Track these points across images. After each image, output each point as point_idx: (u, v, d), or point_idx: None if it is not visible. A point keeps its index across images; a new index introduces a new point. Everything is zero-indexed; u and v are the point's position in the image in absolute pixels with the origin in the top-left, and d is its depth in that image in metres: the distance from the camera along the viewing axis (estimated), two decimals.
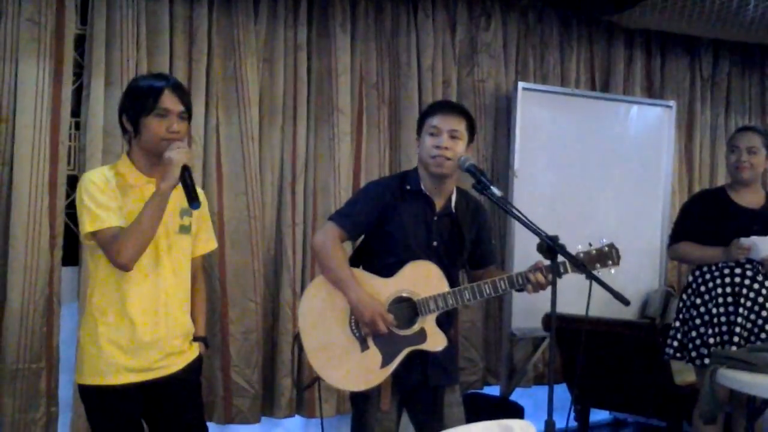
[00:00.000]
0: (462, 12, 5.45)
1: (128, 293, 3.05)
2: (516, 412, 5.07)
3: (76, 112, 4.35)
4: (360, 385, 3.44)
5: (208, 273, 4.52)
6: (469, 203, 3.61)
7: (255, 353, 4.74)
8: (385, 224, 3.48)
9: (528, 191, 5.37)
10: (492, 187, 3.26)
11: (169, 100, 3.04)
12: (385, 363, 3.38)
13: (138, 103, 3.04)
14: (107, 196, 3.01)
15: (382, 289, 3.42)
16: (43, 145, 4.16)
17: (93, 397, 3.11)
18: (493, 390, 5.60)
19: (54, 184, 4.21)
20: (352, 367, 3.41)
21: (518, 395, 5.48)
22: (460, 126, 3.43)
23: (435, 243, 3.48)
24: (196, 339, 3.32)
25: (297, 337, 3.51)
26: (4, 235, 4.11)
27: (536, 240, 3.17)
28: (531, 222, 3.15)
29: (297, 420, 5.00)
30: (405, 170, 3.77)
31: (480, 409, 5.22)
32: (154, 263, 3.09)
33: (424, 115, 3.55)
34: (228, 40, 4.67)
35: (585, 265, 3.23)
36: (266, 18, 4.78)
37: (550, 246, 3.10)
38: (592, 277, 3.05)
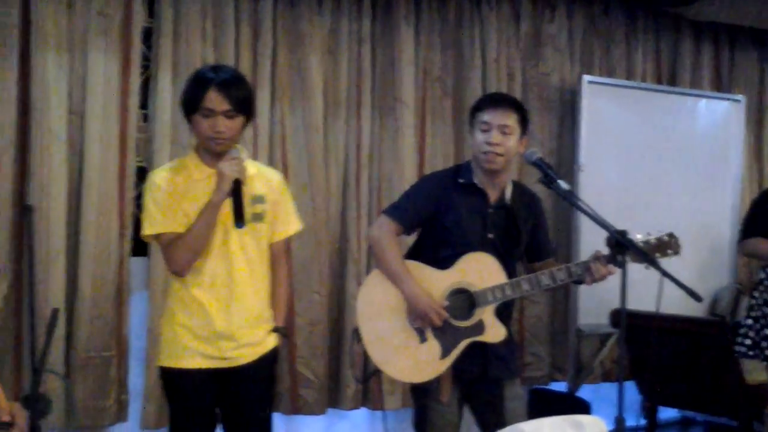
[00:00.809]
0: (527, 4, 5.42)
1: (202, 284, 3.10)
2: (583, 408, 5.00)
3: (144, 104, 4.42)
4: (419, 377, 3.44)
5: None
6: (524, 195, 3.59)
7: (320, 345, 4.76)
8: (440, 217, 3.48)
9: (593, 185, 5.31)
10: (559, 181, 3.24)
11: (214, 100, 3.00)
12: (444, 355, 3.37)
13: (186, 100, 3.07)
14: (167, 199, 3.08)
15: (438, 281, 3.41)
16: (112, 137, 4.23)
17: (169, 379, 3.20)
18: (560, 386, 5.53)
19: (123, 176, 4.28)
20: (411, 360, 3.41)
21: (585, 392, 5.41)
22: (510, 120, 3.40)
23: (491, 235, 3.45)
24: (274, 330, 3.33)
25: (356, 330, 3.52)
26: (75, 225, 4.18)
27: (602, 234, 3.15)
28: (599, 216, 3.13)
29: (363, 412, 5.00)
30: (459, 163, 3.76)
31: (546, 405, 5.17)
32: (225, 253, 3.12)
33: (475, 110, 3.53)
34: (293, 33, 4.71)
35: (647, 253, 3.18)
36: (330, 10, 4.81)
37: (619, 240, 3.07)
38: (655, 266, 3.03)
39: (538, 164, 3.32)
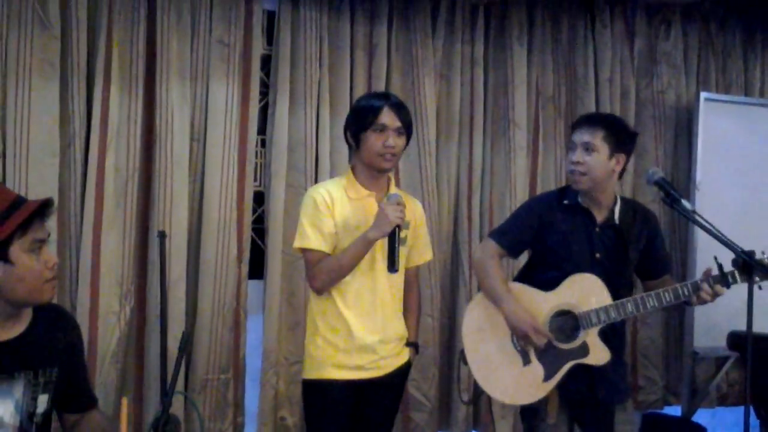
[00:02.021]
0: (641, 22, 5.32)
1: (346, 300, 3.29)
2: None
3: (261, 130, 4.49)
4: (522, 399, 3.46)
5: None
6: (636, 213, 3.55)
7: (432, 368, 4.76)
8: (546, 239, 3.49)
9: (711, 204, 5.16)
10: (682, 201, 3.19)
11: (387, 117, 3.27)
12: (548, 377, 3.39)
13: (359, 119, 3.30)
14: (322, 217, 3.28)
15: (542, 303, 3.41)
16: (231, 162, 4.31)
17: (311, 391, 3.38)
18: (674, 410, 5.42)
19: (241, 200, 4.35)
20: (515, 381, 3.43)
21: (700, 416, 5.29)
22: (593, 138, 3.37)
23: (598, 255, 3.44)
24: (408, 344, 3.51)
25: (462, 352, 3.55)
26: (196, 249, 4.27)
27: (719, 254, 3.10)
28: (724, 236, 3.07)
29: None
30: (564, 186, 3.74)
31: (660, 429, 5.08)
32: (370, 272, 3.31)
33: (571, 131, 3.55)
34: (406, 57, 4.72)
35: None
36: (444, 34, 4.80)
37: (747, 261, 3.01)
38: None
39: (661, 184, 3.29)
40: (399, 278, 3.43)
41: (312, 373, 3.37)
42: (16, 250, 2.33)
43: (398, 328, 3.44)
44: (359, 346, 3.30)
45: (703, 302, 3.28)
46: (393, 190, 3.43)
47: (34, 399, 2.49)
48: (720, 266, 3.19)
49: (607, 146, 3.37)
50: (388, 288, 3.37)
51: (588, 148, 3.37)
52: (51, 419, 2.61)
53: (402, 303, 3.49)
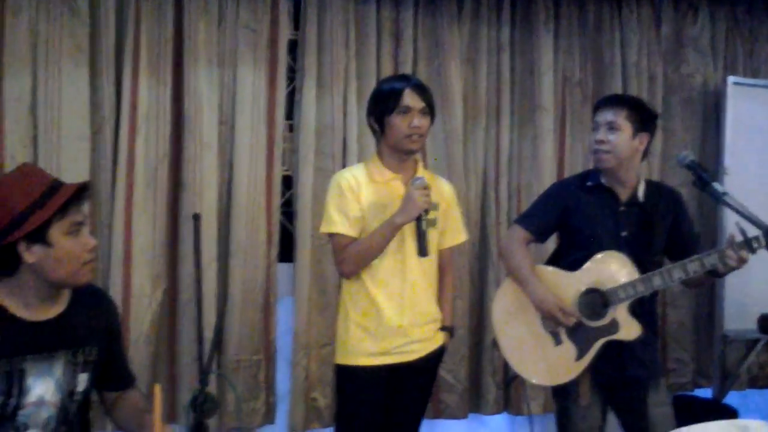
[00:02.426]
0: (667, 6, 5.30)
1: (376, 282, 3.29)
2: (730, 415, 4.87)
3: (289, 115, 4.53)
4: (556, 380, 3.46)
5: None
6: (662, 193, 3.55)
7: (462, 350, 4.77)
8: (570, 220, 3.51)
9: (739, 188, 5.09)
10: (713, 184, 3.20)
11: (410, 98, 3.26)
12: (580, 356, 3.39)
13: (382, 103, 3.30)
14: (348, 202, 3.29)
15: (570, 283, 3.43)
16: (260, 147, 4.36)
17: (343, 376, 3.39)
18: (705, 392, 5.40)
19: (270, 184, 4.39)
20: (548, 362, 3.45)
21: (731, 398, 5.26)
22: (616, 117, 3.39)
23: (624, 233, 3.44)
24: (442, 328, 3.50)
25: (494, 339, 3.57)
26: (226, 232, 4.32)
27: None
28: (755, 216, 3.08)
29: (504, 417, 4.99)
30: (587, 169, 3.76)
31: (691, 411, 5.05)
32: (400, 255, 3.30)
33: (593, 114, 3.57)
34: (432, 42, 4.74)
35: None
36: (469, 19, 4.82)
37: None
38: None
39: (691, 167, 3.29)
40: (431, 260, 3.41)
41: (343, 359, 3.38)
42: (56, 233, 2.37)
43: (431, 311, 3.44)
44: (389, 329, 3.30)
45: (731, 270, 3.27)
46: (420, 172, 3.42)
47: (74, 378, 2.54)
48: (743, 231, 3.19)
49: (631, 125, 3.39)
50: (420, 270, 3.36)
51: (612, 127, 3.39)
52: (90, 398, 2.66)
53: (435, 286, 3.48)
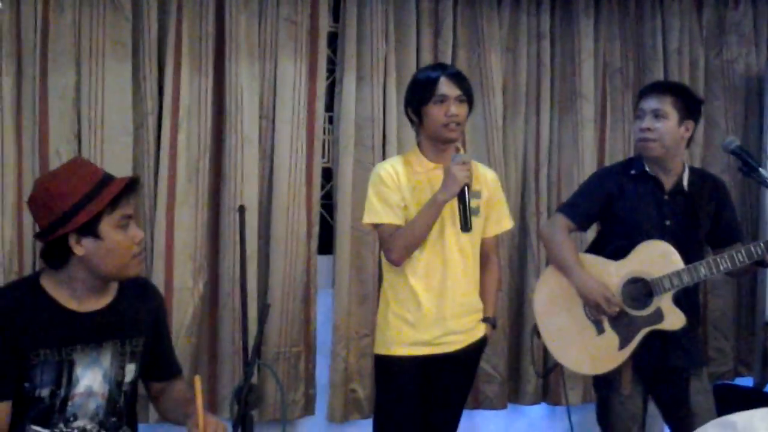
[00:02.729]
0: None
1: (416, 272, 3.29)
2: None
3: (329, 107, 4.52)
4: (598, 369, 3.47)
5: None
6: (705, 180, 3.55)
7: (501, 340, 4.77)
8: (614, 210, 3.50)
9: None
10: (760, 170, 3.17)
11: (446, 87, 3.25)
12: (623, 345, 3.39)
13: (418, 93, 3.29)
14: (389, 191, 3.28)
15: (614, 272, 3.42)
16: (300, 139, 4.35)
17: (382, 366, 3.42)
18: (745, 381, 5.37)
19: (310, 176, 4.39)
20: (590, 351, 3.45)
21: None
22: (662, 104, 3.38)
23: (668, 222, 3.44)
24: (484, 320, 3.49)
25: (535, 326, 3.57)
26: (266, 225, 4.33)
27: None
28: None
29: (543, 407, 5.00)
30: (630, 157, 3.74)
31: (732, 400, 5.03)
32: (440, 244, 3.29)
33: (637, 101, 3.55)
34: (472, 31, 4.71)
35: None
36: (509, 7, 4.77)
37: None
38: None
39: (737, 153, 3.28)
40: (473, 249, 3.40)
41: (382, 349, 3.40)
42: (106, 226, 2.42)
43: (472, 301, 3.43)
44: (429, 319, 3.31)
45: None
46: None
47: (122, 368, 2.59)
48: None
49: (677, 113, 3.38)
50: (461, 260, 3.35)
51: (658, 115, 3.37)
52: (137, 388, 2.70)
53: (477, 276, 3.47)
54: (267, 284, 4.32)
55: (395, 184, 3.29)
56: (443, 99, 3.24)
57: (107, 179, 2.46)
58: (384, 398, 3.44)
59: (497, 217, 3.53)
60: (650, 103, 3.40)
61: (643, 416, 3.54)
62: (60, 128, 3.91)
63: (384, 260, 3.40)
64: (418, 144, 3.42)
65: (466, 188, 3.16)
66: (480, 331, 3.48)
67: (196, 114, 4.16)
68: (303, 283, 4.39)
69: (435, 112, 3.25)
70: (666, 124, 3.36)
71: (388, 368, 3.39)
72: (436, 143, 3.34)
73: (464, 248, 3.35)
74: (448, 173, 3.16)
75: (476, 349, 3.49)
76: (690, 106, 3.43)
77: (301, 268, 4.37)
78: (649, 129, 3.37)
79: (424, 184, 3.31)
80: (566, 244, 3.51)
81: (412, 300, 3.31)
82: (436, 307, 3.31)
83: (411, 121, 3.42)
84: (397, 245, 3.25)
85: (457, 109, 3.26)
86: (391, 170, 3.33)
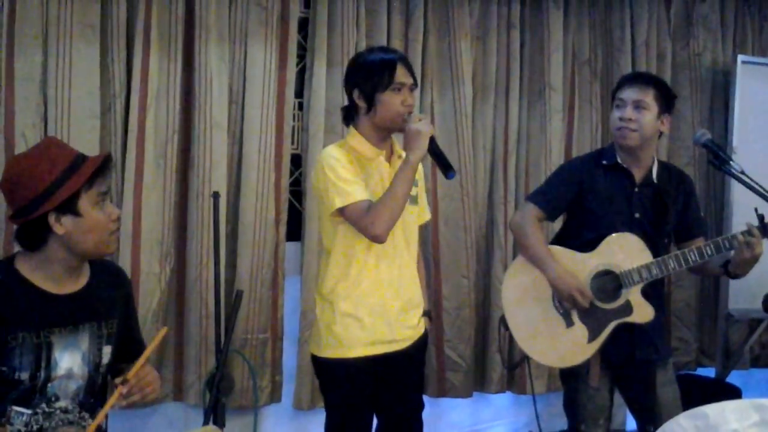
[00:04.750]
0: None
1: (366, 267, 3.13)
2: (734, 394, 4.92)
3: (299, 93, 4.50)
4: (567, 362, 3.48)
5: (422, 248, 4.64)
6: (672, 174, 3.56)
7: (467, 329, 4.80)
8: (584, 200, 3.49)
9: (747, 168, 5.14)
10: (731, 162, 3.21)
11: (402, 74, 3.10)
12: (592, 338, 3.40)
13: (373, 78, 3.09)
14: (351, 171, 3.06)
15: (583, 264, 3.42)
16: (269, 125, 4.32)
17: (327, 369, 3.23)
18: (707, 372, 5.45)
19: (279, 162, 4.36)
20: (559, 344, 3.45)
21: (734, 377, 5.30)
22: (645, 96, 3.39)
23: (637, 215, 3.45)
24: (425, 313, 3.37)
25: (503, 318, 3.56)
26: (235, 211, 4.31)
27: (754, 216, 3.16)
28: None
29: (508, 396, 5.04)
30: (602, 147, 3.74)
31: (694, 390, 5.09)
32: (390, 236, 3.07)
33: (615, 89, 3.54)
34: (443, 20, 4.71)
35: None
36: None
37: None
38: None
39: (709, 146, 3.31)
40: (415, 242, 3.31)
41: (327, 352, 3.21)
42: (84, 203, 2.43)
43: (416, 295, 3.31)
44: (380, 316, 3.16)
45: (746, 261, 3.28)
46: (397, 148, 3.26)
47: (99, 350, 2.59)
48: (761, 216, 3.21)
49: (657, 106, 3.40)
50: (407, 253, 3.23)
51: (639, 106, 3.38)
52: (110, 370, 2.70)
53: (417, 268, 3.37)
54: (235, 270, 4.30)
55: (350, 163, 3.09)
56: (400, 87, 3.08)
57: (81, 158, 2.47)
58: (336, 403, 3.27)
59: (424, 207, 3.45)
60: (632, 94, 3.41)
61: (609, 407, 3.57)
62: (26, 111, 3.84)
63: (329, 256, 3.20)
64: (358, 129, 3.20)
65: (434, 140, 3.05)
66: (423, 326, 3.35)
67: (165, 98, 4.11)
68: (271, 269, 4.37)
69: (392, 101, 3.08)
70: (647, 116, 3.38)
71: (336, 372, 3.21)
72: (381, 132, 3.17)
73: (409, 240, 3.23)
74: (411, 132, 3.00)
75: (422, 345, 3.36)
76: (668, 100, 3.46)
77: (269, 255, 4.35)
78: (630, 119, 3.37)
79: (368, 171, 3.14)
80: (536, 234, 3.49)
81: (362, 298, 3.13)
82: (389, 303, 3.16)
83: (351, 105, 3.20)
84: (380, 218, 2.96)
85: (412, 99, 3.13)
86: (344, 153, 3.12)
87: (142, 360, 2.47)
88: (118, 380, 2.46)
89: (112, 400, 2.42)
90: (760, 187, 3.17)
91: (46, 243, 2.45)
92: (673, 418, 2.00)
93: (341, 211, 3.05)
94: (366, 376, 3.18)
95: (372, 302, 3.14)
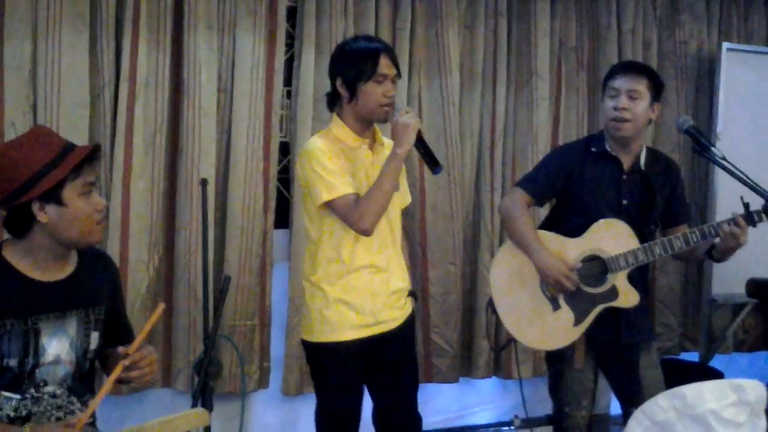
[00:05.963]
0: None
1: (354, 253, 3.16)
2: (716, 378, 4.95)
3: (287, 82, 4.51)
4: (553, 345, 3.53)
5: (410, 234, 4.71)
6: (659, 161, 3.60)
7: (454, 315, 4.84)
8: (572, 187, 3.53)
9: (732, 155, 5.15)
10: (713, 149, 3.24)
11: (386, 65, 3.11)
12: (578, 321, 3.45)
13: (356, 68, 3.10)
14: (336, 163, 3.09)
15: (570, 250, 3.47)
16: (258, 113, 4.34)
17: (318, 353, 3.28)
18: (691, 356, 5.50)
19: (268, 151, 4.39)
20: (546, 327, 3.50)
21: (717, 362, 5.35)
22: (638, 86, 3.42)
23: (625, 201, 3.49)
24: (410, 294, 3.41)
25: (490, 302, 3.60)
26: (223, 199, 4.33)
27: (737, 204, 3.23)
28: (754, 182, 3.14)
29: (494, 381, 5.08)
30: (591, 134, 3.77)
31: (678, 375, 5.14)
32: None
33: (606, 78, 3.56)
34: (430, 8, 4.72)
35: None
36: None
37: None
38: None
39: (691, 132, 3.35)
40: (399, 227, 3.35)
41: (318, 336, 3.26)
42: (69, 193, 2.45)
43: (403, 278, 3.35)
44: (368, 299, 3.20)
45: (730, 248, 3.33)
46: (379, 136, 3.32)
47: (87, 336, 2.62)
48: (746, 205, 3.25)
49: (649, 95, 3.44)
50: (391, 238, 3.27)
51: (633, 96, 3.41)
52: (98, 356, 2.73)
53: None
54: (223, 257, 4.33)
55: (335, 154, 3.11)
56: (383, 79, 3.09)
57: (70, 147, 2.49)
58: (327, 385, 3.32)
59: (405, 190, 3.46)
60: (625, 83, 3.43)
61: (593, 389, 3.62)
62: (16, 99, 3.86)
63: (314, 245, 3.25)
64: (340, 117, 3.21)
65: (420, 132, 3.08)
66: (409, 306, 3.38)
67: (154, 86, 4.13)
68: (259, 256, 4.40)
69: (374, 91, 3.09)
70: (640, 105, 3.41)
71: (326, 356, 3.25)
72: (364, 122, 3.19)
73: (393, 225, 3.27)
74: (398, 125, 3.03)
75: (410, 325, 3.41)
76: (659, 89, 3.51)
77: (257, 242, 4.38)
78: (624, 109, 3.40)
79: (352, 160, 3.17)
80: (525, 219, 3.52)
81: (350, 283, 3.17)
82: (376, 287, 3.20)
83: (334, 93, 3.21)
84: (368, 212, 3.00)
85: (394, 90, 3.14)
86: (328, 144, 3.14)
87: (143, 335, 2.49)
88: (122, 349, 2.48)
89: (115, 374, 2.44)
90: (741, 172, 3.21)
91: (31, 230, 2.48)
92: (653, 398, 2.05)
93: (328, 204, 3.09)
94: (357, 358, 3.24)
95: (361, 287, 3.18)
